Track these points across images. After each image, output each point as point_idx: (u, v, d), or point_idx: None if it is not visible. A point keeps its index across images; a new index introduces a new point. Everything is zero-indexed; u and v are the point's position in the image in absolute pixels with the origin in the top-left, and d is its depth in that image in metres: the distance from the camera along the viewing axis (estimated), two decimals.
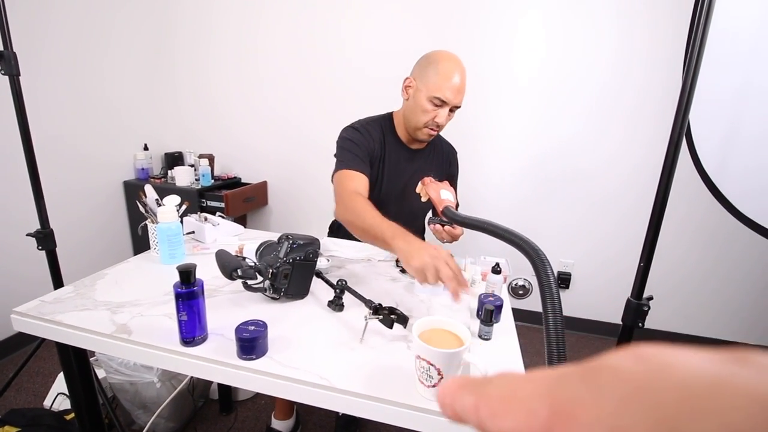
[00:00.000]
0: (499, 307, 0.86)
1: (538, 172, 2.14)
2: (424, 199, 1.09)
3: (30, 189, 1.16)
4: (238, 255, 0.99)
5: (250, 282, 0.86)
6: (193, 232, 1.25)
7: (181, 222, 1.07)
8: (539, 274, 0.62)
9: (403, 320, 0.75)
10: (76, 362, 0.88)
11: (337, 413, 1.51)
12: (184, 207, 1.10)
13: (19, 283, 1.84)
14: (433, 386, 0.58)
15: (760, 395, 0.09)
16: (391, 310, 0.75)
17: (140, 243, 2.46)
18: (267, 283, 0.84)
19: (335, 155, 1.22)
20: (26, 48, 1.52)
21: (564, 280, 2.25)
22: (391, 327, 0.75)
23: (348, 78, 2.23)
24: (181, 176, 2.30)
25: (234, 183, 2.51)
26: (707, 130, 1.14)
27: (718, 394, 0.10)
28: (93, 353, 1.31)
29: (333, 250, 1.24)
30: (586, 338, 2.24)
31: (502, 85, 2.08)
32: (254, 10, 2.28)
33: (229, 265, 0.79)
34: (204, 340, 0.71)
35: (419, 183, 1.11)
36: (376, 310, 0.76)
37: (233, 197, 2.25)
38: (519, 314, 0.95)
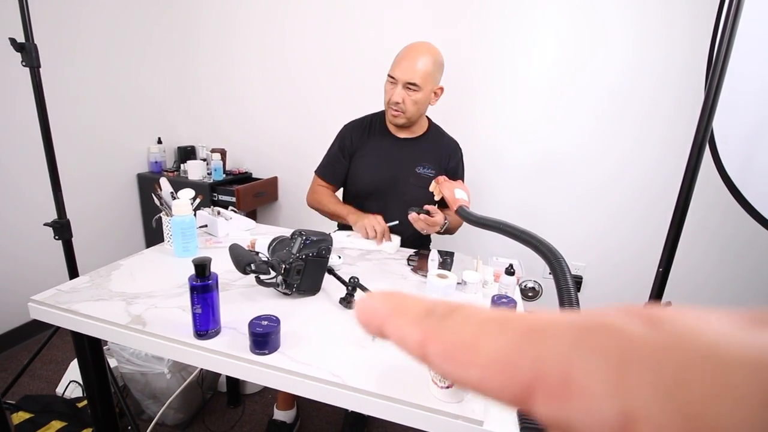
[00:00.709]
0: (513, 309, 0.85)
1: (550, 174, 2.12)
2: (437, 198, 1.08)
3: (47, 179, 1.17)
4: (251, 250, 1.00)
5: (262, 277, 0.86)
6: (206, 226, 1.26)
7: (194, 216, 1.07)
8: (557, 277, 0.61)
9: None
10: (90, 351, 0.89)
11: (346, 411, 1.51)
12: (198, 200, 1.10)
13: (35, 271, 1.87)
14: (447, 387, 0.57)
15: None
16: None
17: (152, 235, 2.49)
18: (279, 278, 0.84)
19: None
20: (45, 40, 1.54)
21: (575, 283, 2.22)
22: None
23: (362, 74, 2.22)
24: (194, 170, 2.32)
25: (245, 178, 2.52)
26: (729, 131, 1.11)
27: (758, 374, 0.07)
28: (105, 343, 1.33)
29: (345, 242, 1.25)
30: None
31: (514, 85, 2.05)
32: (274, 8, 2.29)
33: (243, 260, 0.79)
34: (217, 333, 0.72)
35: (433, 181, 1.10)
36: None
37: (244, 192, 2.26)
38: None
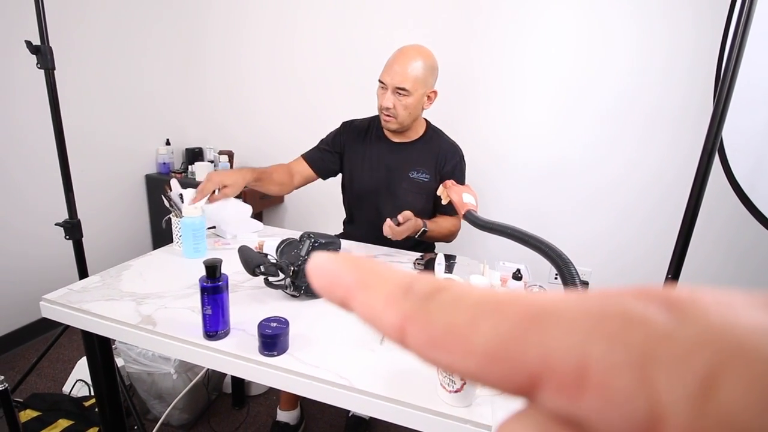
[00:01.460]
0: None
1: (555, 177, 2.11)
2: (444, 202, 1.09)
3: (58, 180, 1.19)
4: (259, 252, 1.00)
5: (271, 279, 0.87)
6: (215, 227, 1.27)
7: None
8: (565, 281, 0.61)
9: None
10: (99, 350, 0.90)
11: (348, 413, 1.51)
12: (205, 201, 1.11)
13: (45, 270, 1.89)
14: (456, 391, 0.57)
15: None
16: None
17: (160, 236, 2.51)
18: (288, 280, 0.85)
19: None
20: (55, 42, 1.57)
21: (583, 288, 2.21)
22: None
23: (370, 77, 2.22)
24: (201, 172, 2.33)
25: None
26: (739, 135, 1.11)
27: None
28: (113, 342, 1.34)
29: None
30: None
31: (519, 89, 2.06)
32: (283, 11, 2.31)
33: (252, 262, 0.80)
34: (226, 334, 0.72)
35: (440, 185, 1.11)
36: None
37: (251, 194, 2.28)
38: None
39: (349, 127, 1.44)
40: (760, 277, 1.94)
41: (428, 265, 1.09)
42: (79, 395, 1.48)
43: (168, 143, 2.51)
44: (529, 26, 1.97)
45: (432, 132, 1.39)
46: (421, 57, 1.21)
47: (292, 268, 0.83)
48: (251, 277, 0.86)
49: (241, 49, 2.44)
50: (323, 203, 2.54)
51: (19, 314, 1.84)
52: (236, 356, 0.68)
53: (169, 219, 1.12)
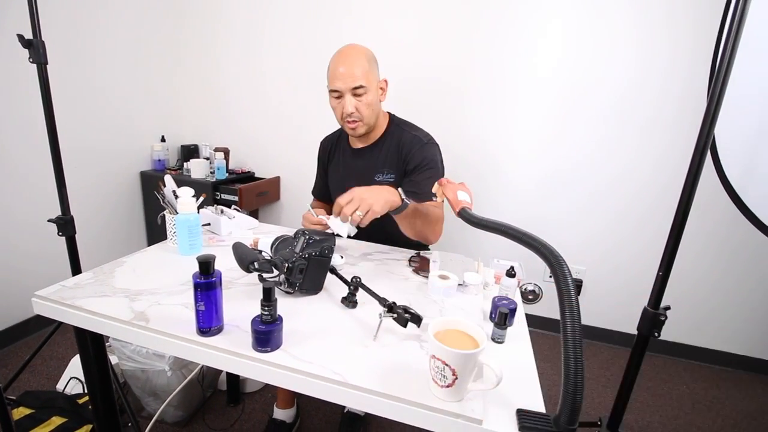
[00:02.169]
0: (513, 311, 0.85)
1: (551, 176, 2.13)
2: (439, 200, 1.09)
3: (51, 176, 1.18)
4: (254, 248, 1.00)
5: (265, 275, 0.87)
6: (209, 224, 1.26)
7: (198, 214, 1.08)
8: (558, 280, 0.61)
9: (417, 320, 0.75)
10: (92, 347, 0.89)
11: (343, 410, 1.52)
12: (201, 199, 1.11)
13: (38, 266, 1.88)
14: (447, 386, 0.58)
15: None
16: (405, 309, 0.75)
17: (154, 233, 2.50)
18: (282, 277, 0.85)
19: None
20: (51, 37, 1.55)
21: (576, 286, 2.22)
22: (405, 326, 0.76)
23: None
24: (197, 169, 2.33)
25: (248, 177, 2.54)
26: (732, 136, 1.12)
27: None
28: (107, 339, 1.34)
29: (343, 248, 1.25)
30: (595, 346, 2.21)
31: (517, 89, 2.06)
32: (275, 8, 2.30)
33: (246, 258, 0.80)
34: (220, 330, 0.72)
35: (435, 183, 1.11)
36: (390, 308, 0.76)
37: (247, 191, 2.27)
38: (528, 319, 0.95)
39: (324, 144, 1.47)
40: (753, 278, 1.96)
41: (422, 265, 1.10)
42: (73, 393, 1.47)
43: (163, 140, 2.49)
44: (526, 32, 1.98)
45: (394, 127, 1.31)
46: (359, 52, 1.17)
47: (286, 265, 0.83)
48: (245, 273, 0.86)
49: (237, 46, 2.43)
50: None
51: (11, 311, 1.83)
52: (230, 352, 0.68)
53: (164, 215, 1.12)
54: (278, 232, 1.28)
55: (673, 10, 1.77)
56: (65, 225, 1.21)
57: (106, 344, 1.39)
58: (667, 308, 0.88)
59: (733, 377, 2.01)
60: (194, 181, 2.29)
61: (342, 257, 1.09)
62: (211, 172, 2.40)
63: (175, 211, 1.06)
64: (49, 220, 1.20)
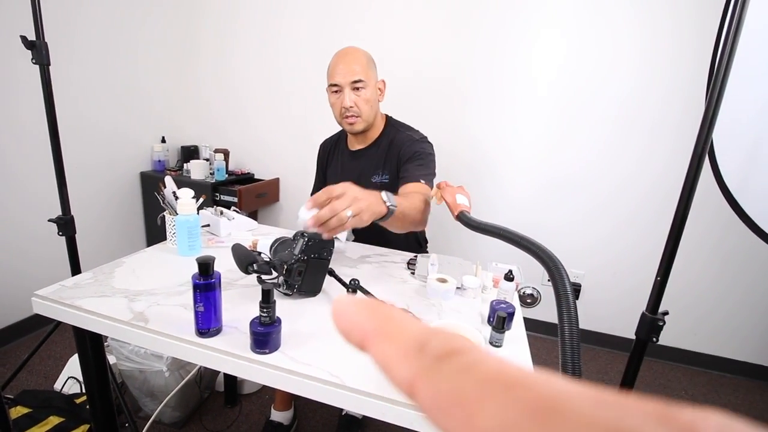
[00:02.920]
0: (511, 315, 0.85)
1: (552, 183, 2.13)
2: (438, 204, 1.09)
3: (52, 176, 1.19)
4: (253, 250, 1.01)
5: (264, 277, 0.87)
6: (209, 225, 1.27)
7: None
8: (556, 284, 0.62)
9: None
10: (91, 347, 0.90)
11: (340, 412, 1.52)
12: (201, 200, 1.11)
13: (38, 266, 1.88)
14: None
15: None
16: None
17: (154, 234, 2.50)
18: (281, 278, 0.85)
19: None
20: (52, 38, 1.56)
21: (574, 291, 2.22)
22: None
23: None
24: (196, 170, 2.33)
25: (247, 178, 2.54)
26: (731, 144, 1.12)
27: None
28: (105, 339, 1.34)
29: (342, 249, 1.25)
30: (593, 351, 2.21)
31: (519, 95, 2.07)
32: (276, 9, 2.31)
33: (246, 260, 0.80)
34: (218, 331, 0.72)
35: (435, 187, 1.11)
36: None
37: (246, 192, 2.28)
38: (526, 323, 0.95)
39: (323, 147, 1.48)
40: (754, 285, 1.96)
41: (422, 265, 1.10)
42: (71, 392, 1.47)
43: (163, 141, 2.50)
44: (533, 31, 1.98)
45: (390, 128, 1.32)
46: (359, 51, 1.21)
47: (285, 267, 0.84)
48: (244, 275, 0.86)
49: (238, 48, 2.44)
50: None
51: (10, 310, 1.83)
52: (228, 353, 0.68)
53: (164, 216, 1.12)
54: (277, 233, 1.29)
55: (677, 15, 1.78)
56: (65, 225, 1.21)
57: (105, 344, 1.40)
58: (666, 313, 0.88)
59: (732, 383, 2.01)
60: (194, 182, 2.29)
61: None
62: (210, 174, 2.40)
63: (175, 212, 1.07)
64: (49, 220, 1.20)
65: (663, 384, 1.97)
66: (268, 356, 0.67)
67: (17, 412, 1.28)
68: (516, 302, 0.99)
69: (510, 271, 0.95)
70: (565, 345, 0.55)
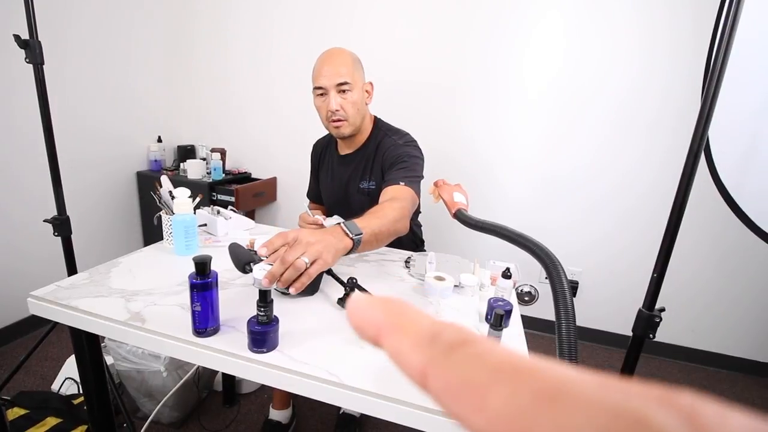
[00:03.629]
0: (509, 312, 0.86)
1: (549, 183, 2.13)
2: (435, 202, 1.10)
3: (48, 176, 1.18)
4: (250, 249, 1.00)
5: None
6: (205, 225, 1.26)
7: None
8: (553, 281, 0.62)
9: None
10: (88, 347, 0.89)
11: (338, 411, 1.52)
12: (198, 199, 1.11)
13: (33, 267, 1.87)
14: None
15: None
16: None
17: (150, 233, 2.49)
18: None
19: None
20: (47, 38, 1.56)
21: (571, 288, 2.23)
22: None
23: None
24: (193, 169, 2.32)
25: (244, 178, 2.53)
26: (727, 143, 1.13)
27: None
28: (102, 340, 1.33)
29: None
30: (590, 348, 2.22)
31: (516, 96, 2.07)
32: (271, 8, 2.30)
33: (243, 259, 0.80)
34: (216, 331, 0.72)
35: (432, 185, 1.11)
36: None
37: (243, 192, 2.27)
38: (523, 321, 0.95)
39: (316, 147, 1.48)
40: (751, 283, 1.97)
41: (420, 264, 1.10)
42: (68, 393, 1.46)
43: (160, 140, 2.49)
44: (525, 36, 1.99)
45: (377, 131, 1.30)
46: (345, 52, 1.18)
47: None
48: (241, 274, 0.85)
49: (234, 47, 2.43)
50: None
51: (6, 311, 1.82)
52: (225, 353, 0.68)
53: (160, 216, 1.11)
54: (275, 232, 1.28)
55: (674, 14, 1.78)
56: (61, 225, 1.20)
57: (102, 345, 1.39)
58: (662, 310, 0.89)
59: (729, 379, 2.03)
60: (191, 182, 2.28)
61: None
62: (207, 173, 2.40)
63: (172, 211, 1.06)
64: (45, 221, 1.20)
65: (660, 380, 1.98)
66: (266, 355, 0.67)
67: (14, 413, 1.28)
68: (514, 300, 0.99)
69: (508, 269, 0.95)
70: (562, 342, 0.56)
